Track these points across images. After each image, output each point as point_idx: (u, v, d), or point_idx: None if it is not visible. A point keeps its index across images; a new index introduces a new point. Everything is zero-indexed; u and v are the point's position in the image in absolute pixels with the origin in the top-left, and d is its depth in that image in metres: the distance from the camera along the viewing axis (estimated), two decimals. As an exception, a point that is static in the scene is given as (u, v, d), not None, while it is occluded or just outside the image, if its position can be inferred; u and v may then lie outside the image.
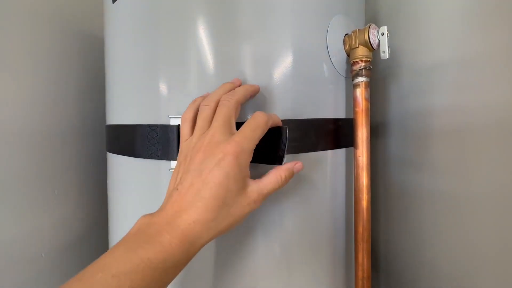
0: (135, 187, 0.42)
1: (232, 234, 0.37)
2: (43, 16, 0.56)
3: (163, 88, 0.38)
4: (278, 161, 0.33)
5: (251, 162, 0.32)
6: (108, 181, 0.51)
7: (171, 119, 0.36)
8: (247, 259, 0.37)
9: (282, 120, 0.36)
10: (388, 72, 0.54)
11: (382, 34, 0.37)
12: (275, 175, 0.32)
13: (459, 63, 0.41)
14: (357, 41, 0.39)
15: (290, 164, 0.33)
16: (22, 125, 0.52)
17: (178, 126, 0.36)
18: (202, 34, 0.36)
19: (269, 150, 0.33)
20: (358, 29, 0.39)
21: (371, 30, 0.38)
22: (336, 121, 0.41)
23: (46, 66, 0.57)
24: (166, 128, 0.36)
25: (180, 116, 0.36)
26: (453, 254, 0.42)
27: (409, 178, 0.50)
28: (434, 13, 0.45)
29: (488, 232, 0.37)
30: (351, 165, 0.44)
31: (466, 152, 0.40)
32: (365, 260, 0.40)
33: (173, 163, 0.37)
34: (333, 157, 0.42)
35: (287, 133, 0.33)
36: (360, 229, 0.40)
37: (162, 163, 0.38)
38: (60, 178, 0.59)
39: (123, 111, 0.44)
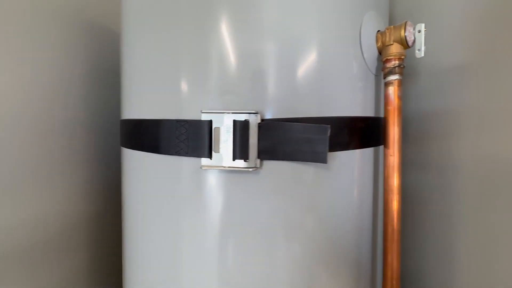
0: (157, 183, 0.40)
1: (250, 236, 0.35)
2: (51, 5, 0.52)
3: (188, 84, 0.36)
4: (322, 159, 0.32)
5: (294, 160, 0.30)
6: (123, 177, 0.48)
7: (203, 114, 0.34)
8: (265, 264, 0.36)
9: (311, 118, 0.34)
10: (406, 72, 0.54)
11: (419, 31, 0.37)
12: None
13: (480, 63, 0.41)
14: (392, 38, 0.38)
15: None
16: (24, 117, 0.48)
17: (210, 121, 0.34)
18: (226, 29, 0.34)
19: (310, 148, 0.32)
20: (393, 26, 0.38)
21: (407, 27, 0.37)
22: (366, 119, 0.41)
23: (52, 57, 0.52)
24: (197, 123, 0.34)
25: (213, 111, 0.34)
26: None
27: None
28: (449, 14, 0.45)
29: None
30: (377, 165, 0.44)
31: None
32: (394, 261, 0.40)
33: (204, 161, 0.34)
34: (361, 157, 0.41)
35: (328, 131, 0.31)
36: (389, 229, 0.40)
37: (190, 161, 0.36)
38: (65, 172, 0.55)
39: (143, 105, 0.41)
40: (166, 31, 0.38)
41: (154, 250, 0.41)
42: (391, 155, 0.39)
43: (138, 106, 0.42)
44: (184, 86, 0.36)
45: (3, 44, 0.45)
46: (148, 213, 0.42)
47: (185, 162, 0.36)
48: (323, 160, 0.32)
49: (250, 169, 0.33)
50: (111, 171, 0.69)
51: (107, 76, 0.66)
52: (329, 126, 0.32)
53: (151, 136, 0.39)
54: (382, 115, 0.44)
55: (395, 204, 0.39)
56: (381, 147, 0.44)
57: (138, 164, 0.43)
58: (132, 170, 0.45)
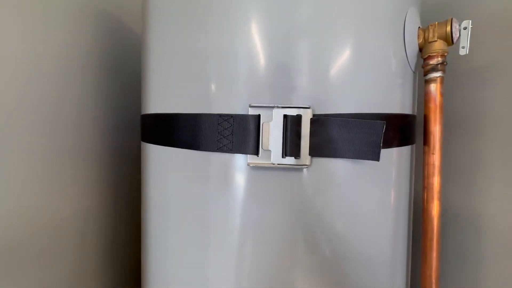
0: (192, 182, 0.38)
1: (271, 247, 0.34)
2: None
3: (231, 76, 0.34)
4: (375, 156, 0.31)
5: (344, 157, 0.29)
6: (145, 175, 0.45)
7: (250, 109, 0.32)
8: (287, 270, 0.35)
9: (352, 114, 0.33)
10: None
11: (465, 28, 0.36)
12: None
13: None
14: (436, 34, 0.38)
15: None
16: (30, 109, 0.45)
17: (258, 116, 0.32)
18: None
19: (363, 145, 0.31)
20: (438, 22, 0.38)
21: (453, 24, 0.36)
22: (406, 116, 0.40)
23: (64, 50, 0.49)
24: (243, 118, 0.33)
25: (262, 105, 0.32)
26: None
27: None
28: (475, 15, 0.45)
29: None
30: (413, 163, 0.43)
31: None
32: (434, 260, 0.39)
33: (250, 158, 0.33)
34: (400, 155, 0.41)
35: (383, 128, 0.31)
36: (429, 228, 0.39)
37: (234, 157, 0.34)
38: (74, 168, 0.52)
39: (175, 99, 0.39)
40: (197, 25, 0.35)
41: (183, 254, 0.40)
42: (432, 153, 0.39)
43: (168, 100, 0.40)
44: (224, 78, 0.35)
45: (16, 31, 0.41)
46: (179, 213, 0.40)
47: (228, 159, 0.34)
48: (376, 157, 0.31)
49: (302, 167, 0.32)
50: (123, 167, 0.66)
51: (116, 72, 0.63)
52: (384, 122, 0.31)
53: (187, 131, 0.36)
54: (416, 113, 0.44)
55: (435, 202, 0.39)
56: (414, 146, 0.44)
57: (167, 162, 0.41)
58: (158, 168, 0.43)
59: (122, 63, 0.65)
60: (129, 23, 0.69)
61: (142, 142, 0.48)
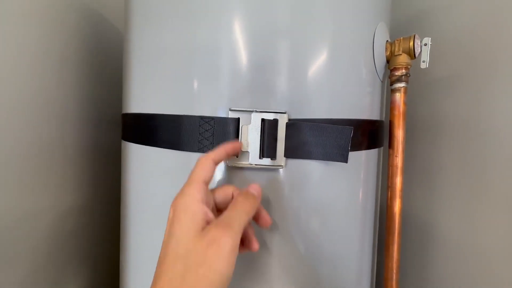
0: (172, 180, 0.39)
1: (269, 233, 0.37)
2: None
3: (211, 80, 0.36)
4: (344, 159, 0.34)
5: (316, 159, 0.33)
6: (125, 173, 0.46)
7: (230, 112, 0.34)
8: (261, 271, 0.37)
9: (325, 119, 0.36)
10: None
11: (425, 44, 0.41)
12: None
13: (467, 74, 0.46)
14: (401, 48, 0.41)
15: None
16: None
17: (238, 119, 0.34)
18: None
19: (334, 148, 0.34)
20: (403, 38, 0.42)
21: (415, 40, 0.40)
22: (374, 122, 0.44)
23: (47, 45, 0.48)
24: (224, 121, 0.34)
25: (241, 109, 0.34)
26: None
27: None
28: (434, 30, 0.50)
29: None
30: (379, 165, 0.48)
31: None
32: (395, 252, 0.43)
33: (229, 158, 0.35)
34: (367, 157, 0.44)
35: (351, 133, 0.34)
36: (392, 223, 0.43)
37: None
38: (55, 165, 0.51)
39: (157, 100, 0.40)
40: (183, 24, 0.37)
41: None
42: (396, 156, 0.43)
43: (150, 101, 0.41)
44: (205, 81, 0.36)
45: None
46: (158, 211, 0.41)
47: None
48: (344, 159, 0.34)
49: (278, 167, 0.35)
50: (104, 164, 0.65)
51: (101, 69, 0.63)
52: (352, 128, 0.34)
53: (170, 132, 0.38)
54: (383, 119, 0.48)
55: (397, 200, 0.43)
56: (381, 148, 0.48)
57: (147, 161, 0.42)
58: (139, 167, 0.43)
59: (105, 60, 0.65)
60: (112, 20, 0.68)
61: (122, 141, 0.48)
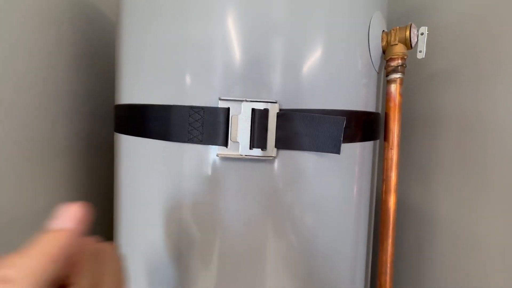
0: (162, 172, 0.38)
1: (240, 236, 0.36)
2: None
3: (201, 69, 0.35)
4: (336, 150, 0.33)
5: (308, 150, 0.31)
6: (118, 165, 0.45)
7: (220, 102, 0.34)
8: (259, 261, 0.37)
9: (319, 110, 0.36)
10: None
11: (422, 34, 0.40)
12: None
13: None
14: (397, 38, 0.40)
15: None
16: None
17: (228, 109, 0.33)
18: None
19: (326, 139, 0.33)
20: (399, 27, 0.41)
21: (412, 29, 0.39)
22: (369, 114, 0.43)
23: (36, 35, 0.47)
24: (213, 110, 0.34)
25: (231, 98, 0.33)
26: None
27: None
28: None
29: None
30: (375, 158, 0.47)
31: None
32: (389, 246, 0.43)
33: (220, 149, 0.34)
34: (362, 149, 0.44)
35: (344, 123, 0.33)
36: (386, 216, 0.43)
37: (203, 148, 0.35)
38: (49, 158, 0.51)
39: (149, 90, 0.39)
40: (175, 13, 0.36)
41: (158, 242, 0.40)
42: (391, 148, 0.42)
43: (141, 91, 0.40)
44: (197, 71, 0.36)
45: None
46: (150, 203, 0.41)
47: (199, 150, 0.35)
48: (337, 150, 0.33)
49: (268, 158, 0.34)
50: (97, 158, 0.65)
51: (91, 60, 0.62)
52: (345, 118, 0.33)
53: (159, 122, 0.37)
54: (379, 111, 0.47)
55: (392, 194, 0.42)
56: (377, 141, 0.47)
57: (139, 152, 0.41)
58: (131, 158, 0.43)
59: (97, 52, 0.64)
60: (105, 11, 0.67)
61: (115, 133, 0.48)
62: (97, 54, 0.64)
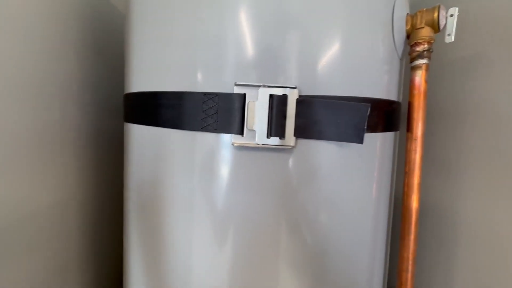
0: (175, 162, 0.37)
1: (254, 230, 0.34)
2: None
3: (216, 53, 0.33)
4: (359, 139, 0.31)
5: (329, 139, 0.29)
6: (128, 155, 0.44)
7: (235, 87, 0.32)
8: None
9: (338, 97, 0.33)
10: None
11: (451, 15, 0.37)
12: None
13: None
14: (423, 21, 0.38)
15: None
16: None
17: (244, 95, 0.32)
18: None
19: (348, 128, 0.31)
20: (426, 9, 0.38)
21: (440, 11, 0.37)
22: (392, 103, 0.40)
23: (45, 25, 0.46)
24: (228, 97, 0.32)
25: (248, 84, 0.31)
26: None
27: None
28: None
29: None
30: (395, 149, 0.44)
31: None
32: (411, 242, 0.41)
33: (235, 137, 0.32)
34: (384, 140, 0.41)
35: (368, 110, 0.31)
36: (408, 210, 0.40)
37: (218, 137, 0.33)
38: (58, 150, 0.50)
39: (160, 77, 0.38)
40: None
41: (165, 236, 0.39)
42: (415, 139, 0.40)
43: (152, 78, 0.38)
44: (211, 56, 0.34)
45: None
46: (159, 193, 0.39)
47: (213, 139, 0.34)
48: (359, 140, 0.31)
49: (286, 148, 0.32)
50: (107, 151, 0.64)
51: (100, 51, 0.61)
52: (369, 104, 0.31)
53: (171, 110, 0.35)
54: (400, 100, 0.45)
55: (416, 187, 0.40)
56: (398, 133, 0.45)
57: (150, 141, 0.40)
58: (141, 148, 0.42)
59: (106, 42, 0.63)
60: (114, 2, 0.66)
61: (125, 123, 0.47)
62: (105, 46, 0.62)
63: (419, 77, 0.39)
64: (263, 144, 0.32)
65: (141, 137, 0.41)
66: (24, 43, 0.43)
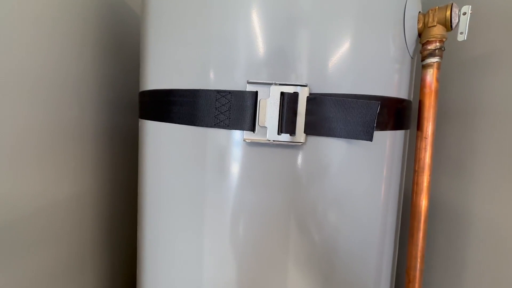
0: (189, 157, 0.38)
1: (264, 226, 0.35)
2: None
3: (228, 52, 0.34)
4: (369, 137, 0.31)
5: (338, 136, 0.30)
6: (143, 151, 0.46)
7: (248, 85, 0.33)
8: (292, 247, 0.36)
9: (349, 95, 0.34)
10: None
11: (464, 13, 0.37)
12: None
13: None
14: (435, 19, 0.38)
15: None
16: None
17: (256, 93, 0.33)
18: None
19: (357, 125, 0.32)
20: (438, 7, 0.38)
21: (453, 9, 0.37)
22: (402, 101, 0.41)
23: (63, 23, 0.48)
24: (241, 94, 0.33)
25: (260, 82, 0.32)
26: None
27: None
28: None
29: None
30: (405, 147, 0.44)
31: None
32: (420, 240, 0.41)
33: (246, 134, 0.33)
34: (393, 138, 0.42)
35: (378, 108, 0.31)
36: (417, 208, 0.41)
37: (230, 133, 0.35)
38: (74, 146, 0.52)
39: (174, 75, 0.39)
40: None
41: (179, 231, 0.41)
42: (425, 138, 0.40)
43: (167, 76, 0.40)
44: (224, 55, 0.35)
45: (17, 5, 0.41)
46: (174, 189, 0.41)
47: (225, 135, 0.35)
48: (369, 137, 0.32)
49: (297, 144, 0.33)
50: (122, 147, 0.66)
51: (116, 50, 0.63)
52: (379, 102, 0.31)
53: (185, 107, 0.37)
54: (411, 98, 0.45)
55: (425, 185, 0.40)
56: (408, 132, 0.45)
57: (164, 138, 0.41)
58: (156, 144, 0.43)
59: (121, 42, 0.65)
60: (129, 2, 0.68)
61: (140, 120, 0.48)
62: (121, 46, 0.64)
63: (431, 76, 0.39)
64: (274, 140, 0.33)
65: (155, 133, 0.43)
66: (48, 44, 0.45)
